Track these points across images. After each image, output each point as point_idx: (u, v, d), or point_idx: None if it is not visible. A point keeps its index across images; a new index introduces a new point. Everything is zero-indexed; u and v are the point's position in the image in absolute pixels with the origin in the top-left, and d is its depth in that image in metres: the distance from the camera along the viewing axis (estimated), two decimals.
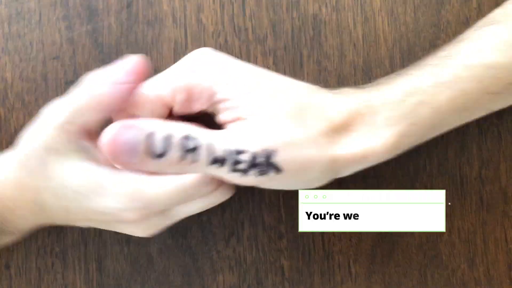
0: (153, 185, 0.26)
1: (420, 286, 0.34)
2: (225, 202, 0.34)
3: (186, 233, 0.34)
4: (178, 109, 0.27)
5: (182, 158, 0.25)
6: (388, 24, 0.33)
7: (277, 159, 0.25)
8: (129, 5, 0.34)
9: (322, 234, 0.34)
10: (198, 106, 0.27)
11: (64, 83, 0.34)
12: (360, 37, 0.34)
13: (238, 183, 0.27)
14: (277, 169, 0.25)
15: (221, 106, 0.26)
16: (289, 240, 0.34)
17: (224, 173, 0.25)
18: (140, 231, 0.29)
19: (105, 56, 0.34)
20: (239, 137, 0.25)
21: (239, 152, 0.25)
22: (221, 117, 0.27)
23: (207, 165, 0.25)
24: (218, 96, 0.26)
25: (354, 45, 0.34)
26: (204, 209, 0.30)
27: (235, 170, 0.25)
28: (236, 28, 0.34)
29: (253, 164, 0.25)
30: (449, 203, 0.33)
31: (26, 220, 0.30)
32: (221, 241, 0.34)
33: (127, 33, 0.34)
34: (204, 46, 0.30)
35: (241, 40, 0.34)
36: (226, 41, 0.34)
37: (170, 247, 0.34)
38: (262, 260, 0.34)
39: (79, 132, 0.27)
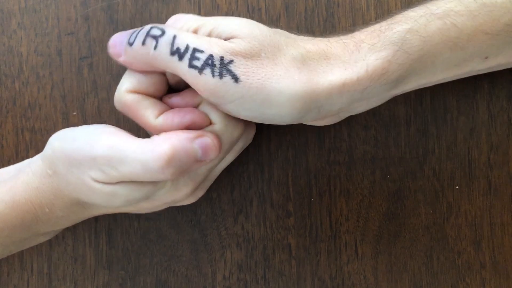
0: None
1: (426, 267, 0.34)
2: (235, 179, 0.34)
3: (195, 209, 0.35)
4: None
5: (144, 42, 0.26)
6: (402, 7, 0.34)
7: (235, 68, 0.25)
8: None
9: (330, 214, 0.34)
10: None
11: (78, 59, 0.35)
12: (373, 19, 0.34)
13: (200, 87, 0.26)
14: (233, 76, 0.25)
15: None
16: (296, 218, 0.34)
17: (184, 68, 0.26)
18: (188, 199, 0.31)
19: None
20: (203, 41, 0.26)
21: (198, 50, 0.25)
22: None
23: (169, 54, 0.26)
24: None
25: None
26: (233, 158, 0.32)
27: (191, 66, 0.25)
28: (249, 7, 0.34)
29: (208, 63, 0.25)
30: (457, 187, 0.34)
31: (67, 221, 0.30)
32: (229, 218, 0.34)
33: (141, 10, 0.34)
34: None
35: (254, 20, 0.34)
36: None
37: (180, 223, 0.35)
38: (269, 237, 0.34)
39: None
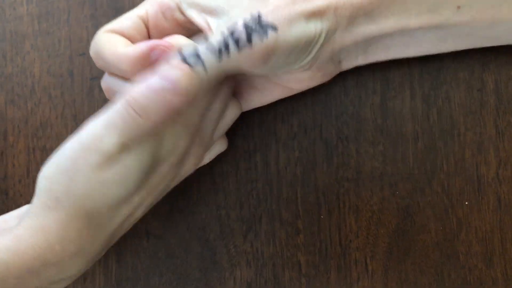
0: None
1: (437, 284, 0.34)
2: (243, 197, 0.34)
3: (204, 227, 0.35)
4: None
5: (206, 67, 0.25)
6: None
7: (266, 18, 0.25)
8: None
9: (339, 231, 0.34)
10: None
11: (89, 79, 0.35)
12: None
13: (257, 63, 0.26)
14: (272, 26, 0.25)
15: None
16: (306, 236, 0.34)
17: (235, 55, 0.25)
18: (194, 159, 0.30)
19: None
20: (223, 24, 0.27)
21: (232, 31, 0.25)
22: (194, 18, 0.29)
23: (218, 59, 0.25)
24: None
25: None
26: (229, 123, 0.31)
27: (240, 46, 0.25)
28: None
29: (250, 30, 0.25)
30: (466, 203, 0.33)
31: (81, 257, 0.28)
32: (239, 236, 0.34)
33: None
34: None
35: None
36: None
37: (188, 241, 0.35)
38: (279, 255, 0.34)
39: None
